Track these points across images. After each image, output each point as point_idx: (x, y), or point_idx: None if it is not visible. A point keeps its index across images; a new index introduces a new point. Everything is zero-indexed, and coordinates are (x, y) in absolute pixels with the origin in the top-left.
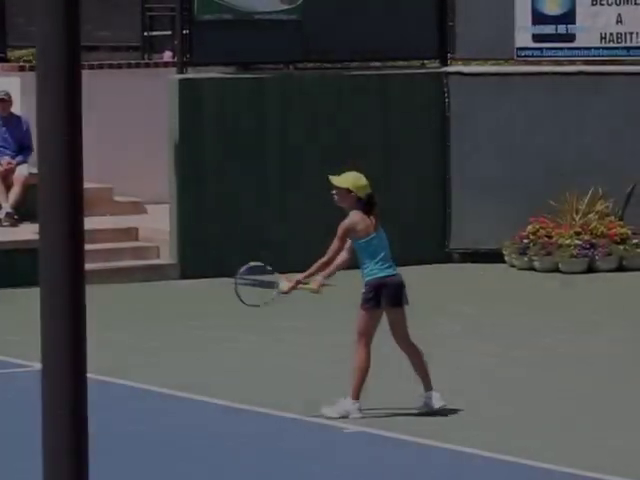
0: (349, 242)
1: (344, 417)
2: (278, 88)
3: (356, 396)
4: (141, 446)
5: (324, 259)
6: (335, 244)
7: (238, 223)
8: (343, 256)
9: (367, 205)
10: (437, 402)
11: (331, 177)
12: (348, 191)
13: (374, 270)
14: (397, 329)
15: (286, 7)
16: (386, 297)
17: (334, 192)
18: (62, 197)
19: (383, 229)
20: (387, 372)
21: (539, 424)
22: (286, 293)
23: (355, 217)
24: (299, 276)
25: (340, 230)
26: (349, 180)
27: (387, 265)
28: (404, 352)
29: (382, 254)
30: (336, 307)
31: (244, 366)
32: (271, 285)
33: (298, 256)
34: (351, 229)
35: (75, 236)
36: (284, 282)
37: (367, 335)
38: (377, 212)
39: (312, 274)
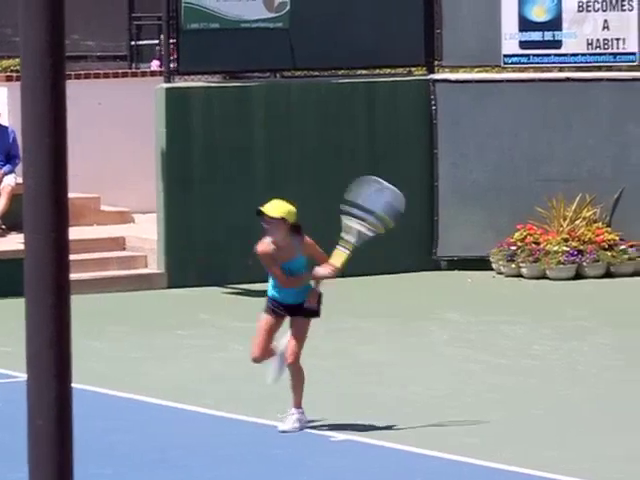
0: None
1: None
2: (265, 96)
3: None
4: (128, 455)
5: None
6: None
7: (225, 232)
8: None
9: (295, 233)
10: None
11: (263, 208)
12: (283, 220)
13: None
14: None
15: (273, 15)
16: None
17: (267, 223)
18: (47, 207)
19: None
20: (367, 380)
21: (528, 431)
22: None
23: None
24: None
25: (311, 242)
26: (283, 209)
27: None
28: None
29: None
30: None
31: (231, 374)
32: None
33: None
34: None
35: (60, 246)
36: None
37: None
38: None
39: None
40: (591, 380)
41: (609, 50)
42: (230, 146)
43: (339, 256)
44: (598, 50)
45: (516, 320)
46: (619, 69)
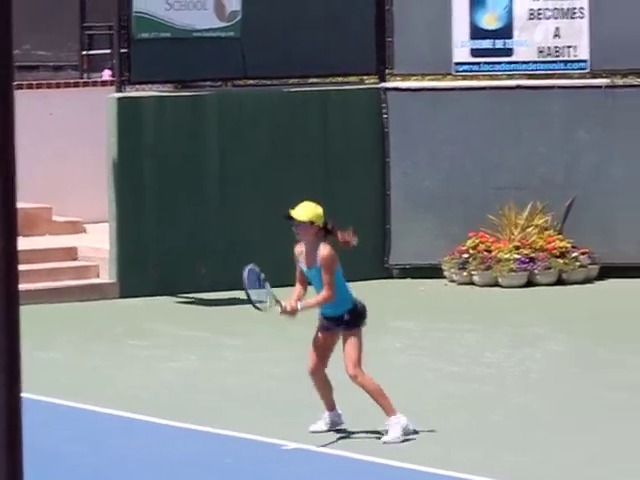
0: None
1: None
2: (217, 105)
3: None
4: (78, 466)
5: (326, 294)
6: (329, 277)
7: (177, 241)
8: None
9: (326, 233)
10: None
11: (291, 212)
12: (310, 223)
13: (351, 295)
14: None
15: (224, 25)
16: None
17: (296, 227)
18: None
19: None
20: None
21: (486, 438)
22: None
23: (331, 250)
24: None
25: (323, 261)
26: (309, 211)
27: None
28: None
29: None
30: (278, 326)
31: (182, 384)
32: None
33: (238, 272)
34: (335, 259)
35: (9, 255)
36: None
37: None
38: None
39: (311, 306)
40: (545, 387)
41: (560, 58)
42: (182, 155)
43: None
44: (549, 58)
45: (469, 328)
46: (570, 77)
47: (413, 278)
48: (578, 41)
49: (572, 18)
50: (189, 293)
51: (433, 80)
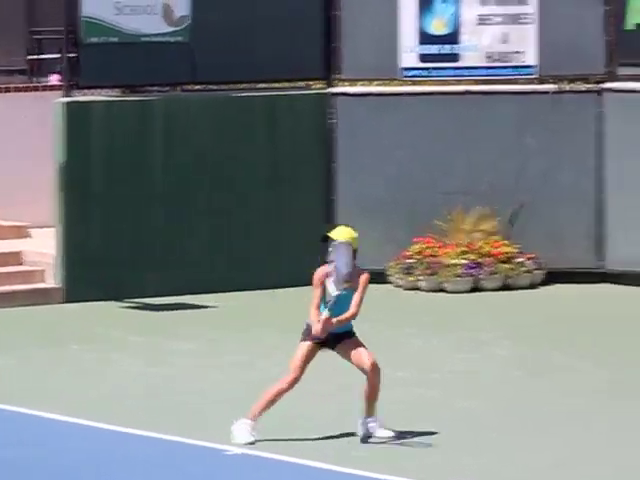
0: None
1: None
2: (165, 110)
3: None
4: (23, 470)
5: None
6: (362, 297)
7: (123, 246)
8: None
9: (355, 258)
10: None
11: (331, 234)
12: (349, 245)
13: None
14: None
15: (172, 29)
16: None
17: (336, 248)
18: None
19: None
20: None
21: (434, 443)
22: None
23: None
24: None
25: (365, 282)
26: (349, 234)
27: None
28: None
29: None
30: (227, 330)
31: (128, 389)
32: None
33: (183, 278)
34: None
35: None
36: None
37: None
38: None
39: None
40: (489, 391)
41: (508, 63)
42: (129, 160)
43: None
44: (497, 63)
45: (414, 333)
46: (518, 82)
47: None
48: (526, 47)
49: (520, 24)
50: (134, 298)
51: (381, 85)
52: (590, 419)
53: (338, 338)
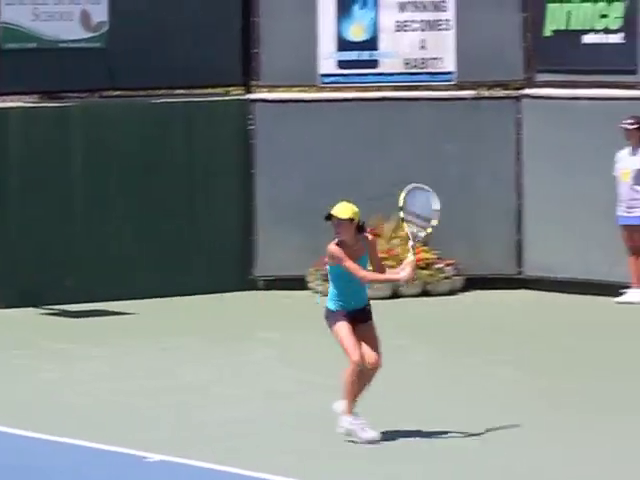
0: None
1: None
2: (83, 116)
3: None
4: None
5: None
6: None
7: (42, 253)
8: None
9: (361, 232)
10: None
11: (333, 211)
12: (351, 220)
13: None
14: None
15: (90, 35)
16: None
17: (337, 225)
18: None
19: None
20: (186, 400)
21: (342, 451)
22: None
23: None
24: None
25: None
26: (350, 210)
27: None
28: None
29: None
30: (143, 337)
31: (46, 396)
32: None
33: (102, 284)
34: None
35: None
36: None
37: None
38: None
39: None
40: (407, 398)
41: (426, 69)
42: (48, 166)
43: (411, 261)
44: (415, 69)
45: (330, 339)
46: (437, 88)
47: (278, 290)
48: (444, 53)
49: (438, 30)
50: (54, 305)
51: (300, 92)
52: (509, 424)
53: (363, 313)
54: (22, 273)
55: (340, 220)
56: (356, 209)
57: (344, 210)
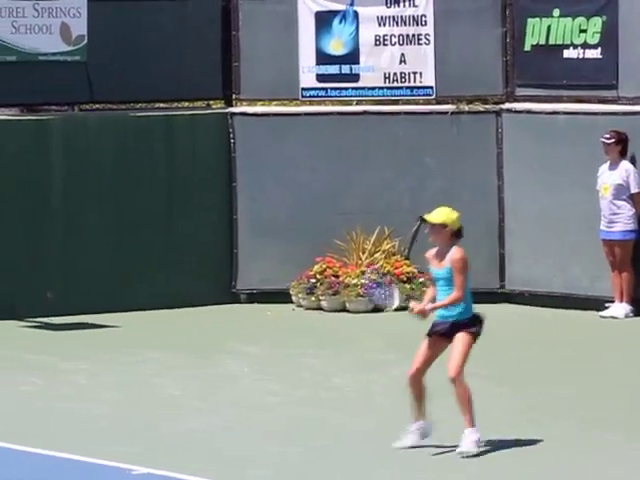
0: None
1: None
2: (62, 129)
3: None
4: None
5: (456, 295)
6: (461, 279)
7: (20, 265)
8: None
9: (458, 238)
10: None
11: (426, 216)
12: (443, 226)
13: (471, 305)
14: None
15: (70, 49)
16: None
17: (429, 229)
18: None
19: None
20: (163, 413)
21: (321, 465)
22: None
23: (463, 252)
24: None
25: (461, 264)
26: (443, 215)
27: None
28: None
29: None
30: (123, 349)
31: (28, 409)
32: None
33: (81, 298)
34: (467, 262)
35: None
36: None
37: None
38: None
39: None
40: (388, 411)
41: (406, 84)
42: (27, 179)
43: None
44: (395, 84)
45: (316, 353)
46: (416, 102)
47: (260, 303)
48: (424, 67)
49: (418, 44)
50: (31, 318)
51: (280, 105)
52: (490, 439)
53: (454, 326)
54: (0, 285)
55: (432, 225)
56: (453, 215)
57: (437, 214)
